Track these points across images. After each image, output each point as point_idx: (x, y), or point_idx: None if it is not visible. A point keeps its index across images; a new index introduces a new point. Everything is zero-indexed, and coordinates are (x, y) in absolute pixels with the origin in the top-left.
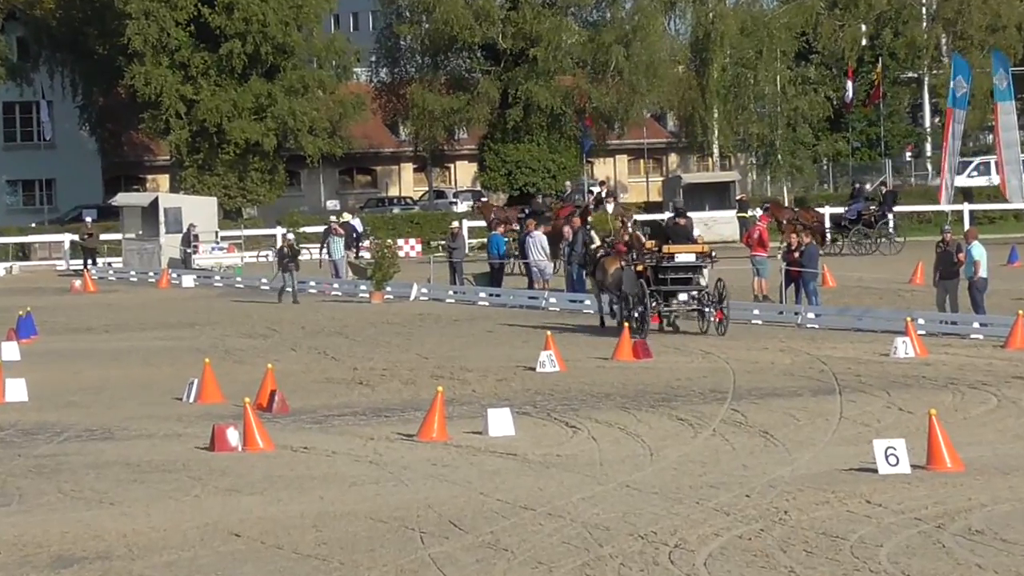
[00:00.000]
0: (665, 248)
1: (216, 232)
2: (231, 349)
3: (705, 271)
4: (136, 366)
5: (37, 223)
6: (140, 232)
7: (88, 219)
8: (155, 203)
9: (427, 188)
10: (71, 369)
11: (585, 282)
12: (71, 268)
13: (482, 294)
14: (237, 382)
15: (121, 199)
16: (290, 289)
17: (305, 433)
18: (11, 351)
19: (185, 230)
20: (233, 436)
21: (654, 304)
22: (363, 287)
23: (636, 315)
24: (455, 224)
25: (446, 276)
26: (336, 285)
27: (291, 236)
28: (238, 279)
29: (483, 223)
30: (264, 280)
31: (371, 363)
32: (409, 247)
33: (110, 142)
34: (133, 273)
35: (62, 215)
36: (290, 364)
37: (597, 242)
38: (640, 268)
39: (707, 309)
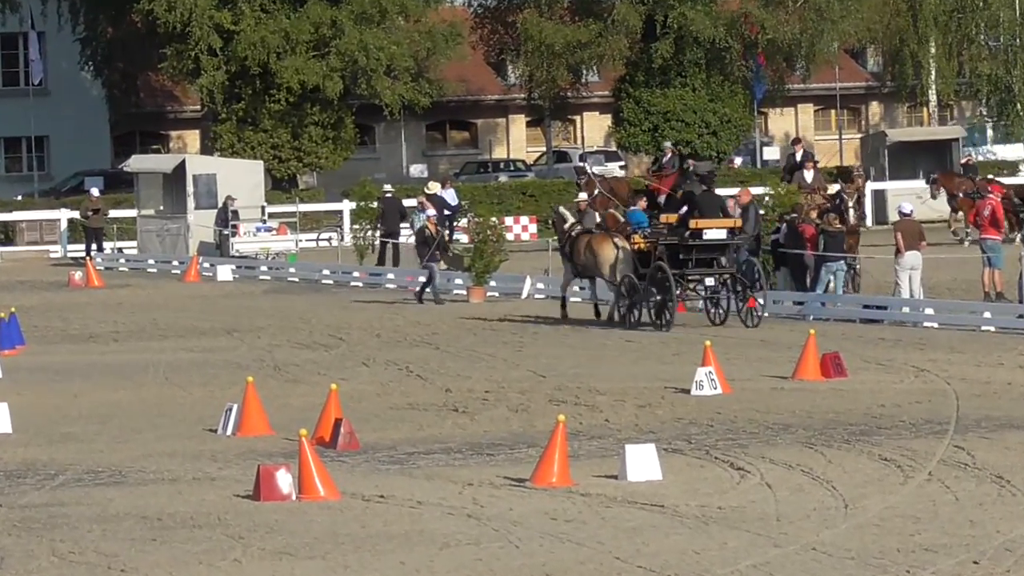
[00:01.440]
0: (692, 222)
1: (262, 207)
2: (282, 364)
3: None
4: (155, 387)
5: (25, 195)
6: (161, 207)
7: (93, 190)
8: (181, 168)
9: (545, 148)
10: (68, 390)
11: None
12: (69, 255)
13: None
14: (290, 408)
15: (136, 163)
16: (433, 283)
17: (381, 476)
18: None
19: (221, 204)
20: (285, 480)
21: (678, 292)
22: (458, 281)
23: (653, 307)
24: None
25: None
26: (422, 278)
27: (431, 212)
28: (291, 270)
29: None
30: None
31: (469, 383)
32: (520, 228)
33: (121, 87)
34: (152, 262)
35: (58, 184)
36: (361, 384)
37: (571, 220)
38: (640, 246)
39: (722, 296)
